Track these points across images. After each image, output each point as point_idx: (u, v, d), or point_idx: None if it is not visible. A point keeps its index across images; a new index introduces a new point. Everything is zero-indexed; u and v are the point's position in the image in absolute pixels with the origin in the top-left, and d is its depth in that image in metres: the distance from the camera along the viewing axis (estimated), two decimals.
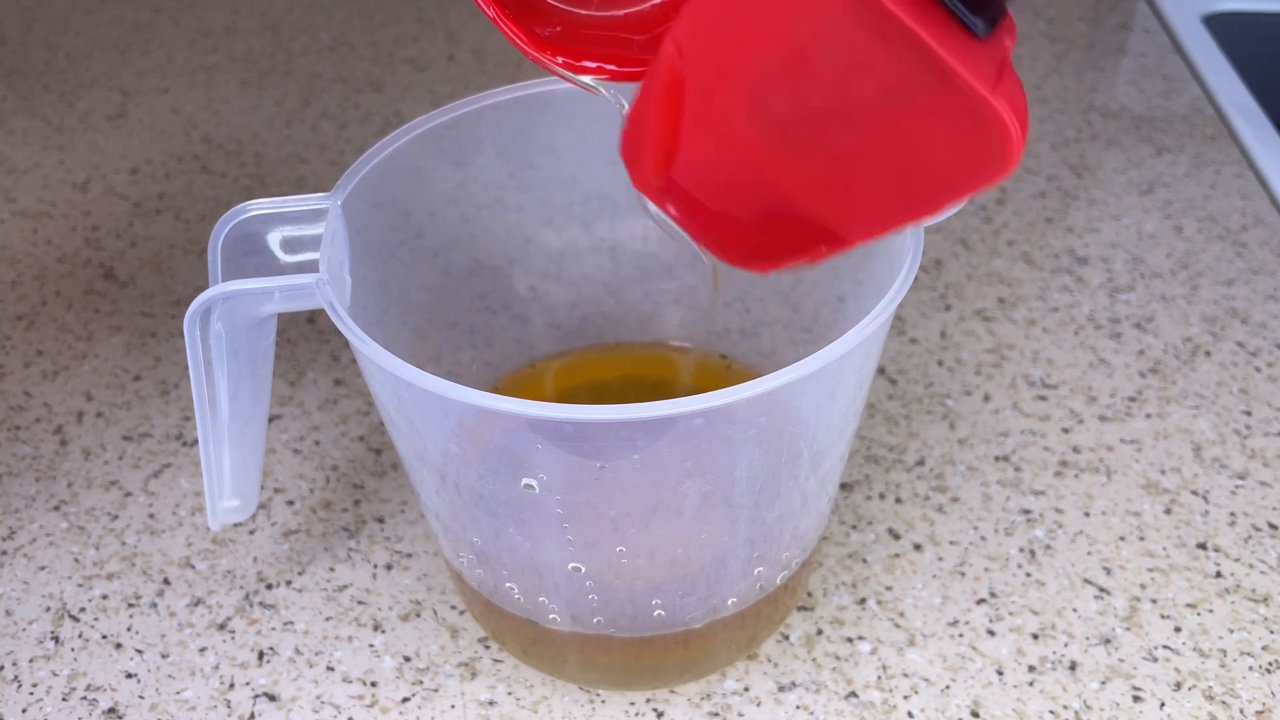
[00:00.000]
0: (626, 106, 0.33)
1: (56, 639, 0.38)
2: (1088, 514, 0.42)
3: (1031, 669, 0.37)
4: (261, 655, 0.38)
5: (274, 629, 0.39)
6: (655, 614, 0.33)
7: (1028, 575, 0.40)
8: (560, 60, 0.32)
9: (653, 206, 0.33)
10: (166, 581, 0.40)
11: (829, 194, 0.29)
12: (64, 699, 0.37)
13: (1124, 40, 0.71)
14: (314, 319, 0.51)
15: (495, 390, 0.34)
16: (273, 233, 0.32)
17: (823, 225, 0.30)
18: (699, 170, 0.31)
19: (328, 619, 0.39)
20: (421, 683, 0.37)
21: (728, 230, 0.32)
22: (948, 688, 0.36)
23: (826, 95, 0.27)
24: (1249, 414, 0.46)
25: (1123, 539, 0.41)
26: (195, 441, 0.45)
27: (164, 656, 0.38)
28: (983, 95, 0.25)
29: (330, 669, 0.37)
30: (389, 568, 0.40)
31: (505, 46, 0.70)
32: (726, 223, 0.31)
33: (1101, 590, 0.39)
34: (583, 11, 0.33)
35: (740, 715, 0.36)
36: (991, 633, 0.38)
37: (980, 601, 0.39)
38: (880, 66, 0.26)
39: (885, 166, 0.28)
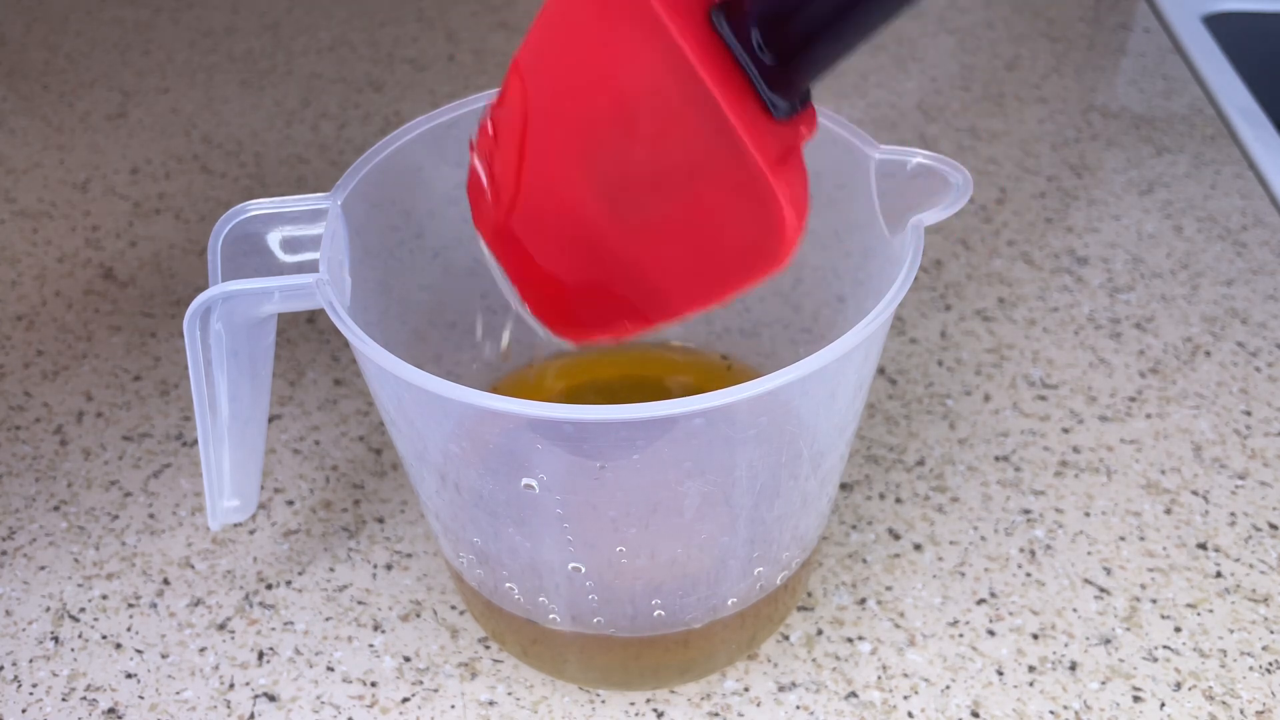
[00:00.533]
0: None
1: (56, 639, 0.38)
2: (1088, 514, 0.42)
3: (1031, 669, 0.37)
4: (261, 655, 0.38)
5: (274, 629, 0.39)
6: (655, 614, 0.33)
7: (1028, 575, 0.40)
8: None
9: (487, 251, 0.32)
10: (166, 581, 0.40)
11: (638, 266, 0.29)
12: (64, 699, 0.37)
13: (1124, 40, 0.71)
14: (314, 319, 0.51)
15: (495, 390, 0.34)
16: (273, 233, 0.32)
17: (630, 300, 0.30)
18: (534, 220, 0.30)
19: (328, 619, 0.39)
20: (421, 683, 0.37)
21: (550, 292, 0.31)
22: (948, 688, 0.36)
23: (645, 155, 0.27)
24: (1249, 414, 0.46)
25: (1123, 539, 0.41)
26: (195, 441, 0.45)
27: (164, 656, 0.38)
28: (761, 170, 0.25)
29: (330, 669, 0.37)
30: (389, 568, 0.40)
31: (505, 47, 0.70)
32: (550, 284, 0.31)
33: (1101, 590, 0.39)
34: None
35: (740, 715, 0.36)
36: (991, 633, 0.38)
37: (980, 601, 0.39)
38: (687, 130, 0.26)
39: (685, 244, 0.28)
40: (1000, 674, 0.37)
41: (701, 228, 0.27)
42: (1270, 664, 0.37)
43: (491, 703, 0.36)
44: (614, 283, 0.30)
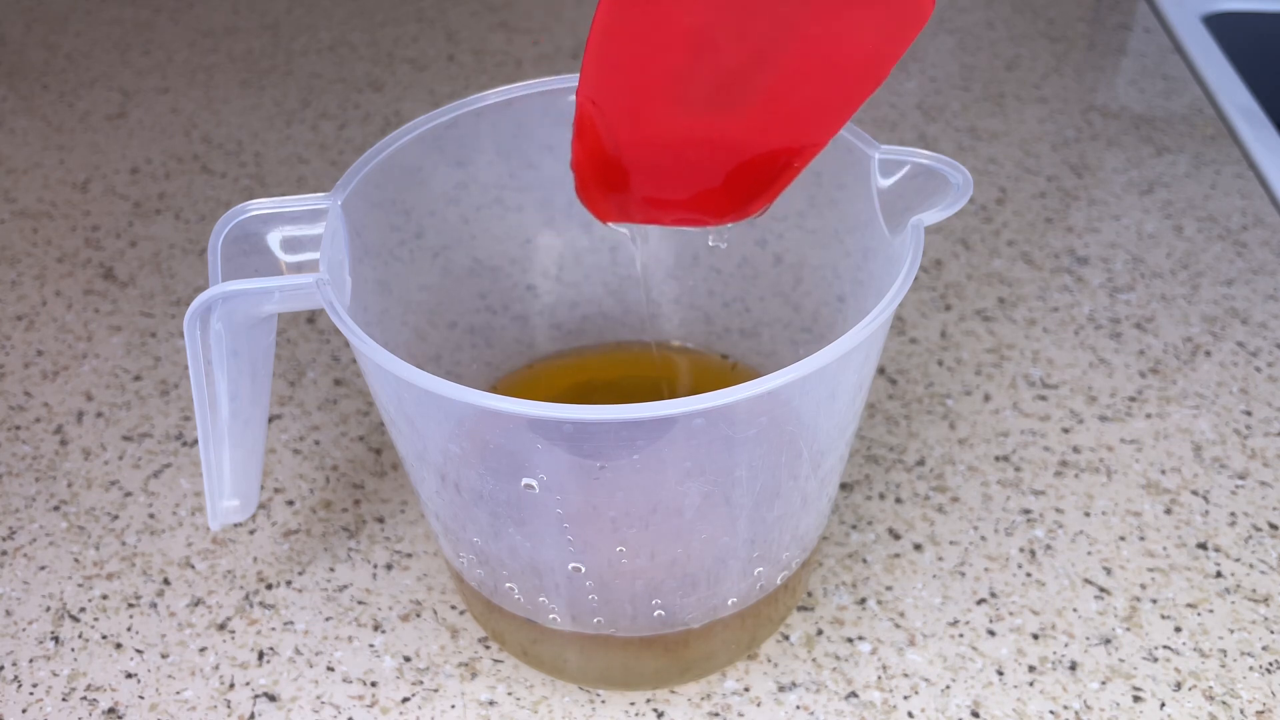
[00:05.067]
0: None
1: (56, 639, 0.38)
2: (1088, 514, 0.42)
3: (1032, 669, 0.37)
4: (261, 655, 0.38)
5: (274, 629, 0.39)
6: (655, 614, 0.33)
7: (1028, 575, 0.40)
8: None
9: (626, 228, 0.34)
10: (166, 581, 0.40)
11: (777, 125, 0.31)
12: (64, 699, 0.37)
13: (1124, 40, 0.71)
14: (314, 319, 0.51)
15: (495, 390, 0.34)
16: (273, 233, 0.32)
17: (786, 148, 0.31)
18: (654, 177, 0.32)
19: (328, 619, 0.39)
20: (421, 683, 0.37)
21: (708, 200, 0.33)
22: (948, 688, 0.36)
23: (730, 54, 0.29)
24: (1249, 414, 0.46)
25: (1123, 539, 0.41)
26: (195, 441, 0.45)
27: (164, 656, 0.38)
28: None
29: (330, 669, 0.37)
30: (389, 568, 0.40)
31: (505, 47, 0.70)
32: (703, 197, 0.33)
33: (1102, 590, 0.39)
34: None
35: (740, 715, 0.36)
36: (991, 633, 0.38)
37: (980, 601, 0.39)
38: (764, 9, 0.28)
39: (812, 77, 0.29)
40: (1000, 674, 0.37)
41: (823, 55, 0.29)
42: (1270, 664, 0.37)
43: (491, 703, 0.36)
44: (762, 148, 0.31)
